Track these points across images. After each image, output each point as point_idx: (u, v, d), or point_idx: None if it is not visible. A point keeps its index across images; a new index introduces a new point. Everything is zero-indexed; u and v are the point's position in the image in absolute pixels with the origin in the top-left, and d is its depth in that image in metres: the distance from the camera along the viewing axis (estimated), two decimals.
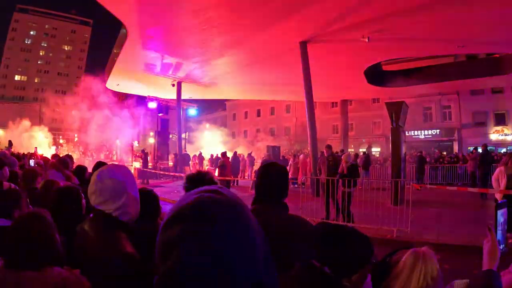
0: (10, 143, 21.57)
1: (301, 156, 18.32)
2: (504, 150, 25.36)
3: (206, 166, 22.91)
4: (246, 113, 48.43)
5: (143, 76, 21.03)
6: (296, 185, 14.89)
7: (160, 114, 25.11)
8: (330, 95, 27.79)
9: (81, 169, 5.03)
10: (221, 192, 0.68)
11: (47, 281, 1.48)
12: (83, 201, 2.46)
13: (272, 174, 2.05)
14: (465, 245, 6.25)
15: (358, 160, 17.56)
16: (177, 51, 16.99)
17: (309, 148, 14.98)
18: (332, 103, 35.66)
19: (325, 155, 9.80)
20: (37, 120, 35.34)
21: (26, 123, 29.71)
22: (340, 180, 8.55)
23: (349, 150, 27.56)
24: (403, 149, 12.16)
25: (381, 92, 25.93)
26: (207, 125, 36.81)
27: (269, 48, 15.63)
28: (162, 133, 25.96)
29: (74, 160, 7.85)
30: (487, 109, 30.09)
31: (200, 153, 24.58)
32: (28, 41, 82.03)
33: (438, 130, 32.20)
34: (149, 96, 24.25)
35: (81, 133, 27.65)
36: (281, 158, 20.19)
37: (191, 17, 12.99)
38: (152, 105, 24.05)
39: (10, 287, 1.47)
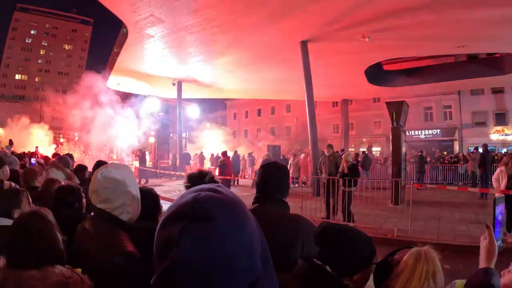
0: (11, 142, 21.55)
1: (302, 156, 18.33)
2: (504, 150, 25.33)
3: (206, 166, 22.91)
4: (246, 112, 48.39)
5: (144, 75, 21.04)
6: (296, 185, 14.90)
7: (160, 114, 25.10)
8: (331, 94, 27.77)
9: (82, 168, 5.03)
10: (219, 190, 0.69)
11: (49, 280, 1.48)
12: (84, 200, 2.46)
13: (273, 174, 2.05)
14: (466, 245, 6.25)
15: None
16: (178, 50, 16.98)
17: (309, 148, 14.98)
18: (333, 102, 35.63)
19: (326, 154, 9.81)
20: (38, 119, 35.29)
21: (25, 120, 29.61)
22: (341, 180, 8.56)
23: (350, 149, 27.54)
24: (404, 149, 12.16)
25: (381, 92, 25.92)
26: (208, 125, 36.78)
27: (269, 48, 15.63)
28: (163, 133, 25.95)
29: (75, 159, 7.85)
30: (488, 109, 30.04)
31: (201, 153, 24.58)
32: (28, 40, 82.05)
33: (438, 130, 32.16)
34: (149, 95, 24.25)
35: (81, 132, 27.60)
36: (281, 157, 20.20)
37: (192, 17, 12.99)
38: (153, 104, 24.05)
39: (12, 287, 1.47)
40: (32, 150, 20.29)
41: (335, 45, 15.00)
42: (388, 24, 12.72)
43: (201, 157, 23.98)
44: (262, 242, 0.69)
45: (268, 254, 0.71)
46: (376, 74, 21.44)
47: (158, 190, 2.61)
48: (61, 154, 7.38)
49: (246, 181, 18.02)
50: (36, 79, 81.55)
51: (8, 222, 1.98)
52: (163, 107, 25.32)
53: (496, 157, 16.86)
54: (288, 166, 15.85)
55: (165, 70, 20.06)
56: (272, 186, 2.02)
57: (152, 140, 25.89)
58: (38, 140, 26.91)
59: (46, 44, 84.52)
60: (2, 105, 48.41)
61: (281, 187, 2.05)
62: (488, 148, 14.73)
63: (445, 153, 25.91)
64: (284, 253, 1.70)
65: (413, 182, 12.08)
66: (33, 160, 10.47)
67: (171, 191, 14.56)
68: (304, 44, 14.38)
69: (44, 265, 1.51)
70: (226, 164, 15.21)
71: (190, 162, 22.41)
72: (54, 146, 29.64)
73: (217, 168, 15.37)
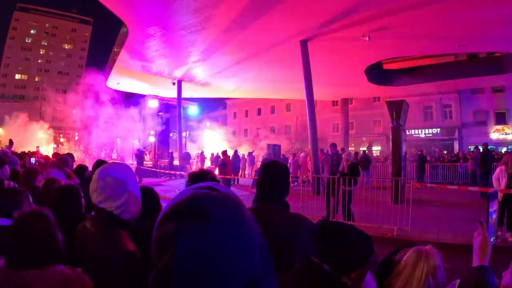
0: (11, 142, 21.57)
1: (302, 155, 18.33)
2: (504, 149, 25.31)
3: (206, 165, 22.91)
4: (246, 111, 48.37)
5: (144, 75, 21.04)
6: (295, 183, 14.91)
7: (160, 113, 25.10)
8: (331, 93, 27.80)
9: (82, 168, 5.03)
10: (216, 188, 0.68)
11: (49, 279, 1.48)
12: (83, 200, 2.46)
13: (273, 173, 2.05)
14: (466, 244, 6.22)
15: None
16: (178, 49, 16.98)
17: (309, 147, 14.99)
18: (333, 101, 35.61)
19: (329, 153, 9.79)
20: (38, 118, 35.28)
21: (22, 117, 29.53)
22: (341, 179, 8.55)
23: (350, 148, 27.53)
24: (404, 148, 12.15)
25: (381, 91, 25.93)
26: (208, 124, 36.78)
27: (269, 47, 15.62)
28: (163, 132, 25.95)
29: (75, 159, 7.85)
30: (488, 108, 30.03)
31: (202, 152, 24.59)
32: (28, 40, 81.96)
33: (438, 129, 32.15)
34: (149, 94, 24.24)
35: (81, 131, 27.63)
36: (281, 156, 20.21)
37: (191, 16, 12.98)
38: (153, 103, 24.04)
39: (12, 287, 1.47)
40: (32, 149, 20.27)
41: (335, 44, 14.99)
42: (388, 23, 12.72)
43: (202, 157, 23.98)
44: (261, 242, 0.69)
45: (267, 255, 0.71)
46: (376, 73, 21.45)
47: (158, 189, 2.61)
48: (61, 154, 7.38)
49: (246, 181, 18.02)
50: (36, 79, 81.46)
51: (8, 222, 1.98)
52: (163, 106, 25.27)
53: (496, 156, 16.84)
54: (288, 165, 15.84)
55: (165, 70, 20.05)
56: (272, 185, 2.02)
57: (152, 139, 25.90)
58: (38, 140, 26.89)
59: (46, 43, 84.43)
60: (2, 105, 48.40)
61: (281, 186, 2.05)
62: (488, 147, 14.73)
63: (445, 152, 25.91)
64: (285, 253, 1.70)
65: (413, 181, 12.06)
66: (32, 160, 10.45)
67: (171, 190, 14.55)
68: (304, 43, 14.37)
69: (44, 264, 1.52)
70: (226, 164, 15.22)
71: (191, 161, 22.41)
72: (54, 145, 29.62)
73: (217, 167, 15.37)
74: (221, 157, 15.70)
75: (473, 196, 11.98)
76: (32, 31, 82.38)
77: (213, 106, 52.22)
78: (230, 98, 40.13)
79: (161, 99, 24.62)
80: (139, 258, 1.47)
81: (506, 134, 29.31)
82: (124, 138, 26.94)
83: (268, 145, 21.01)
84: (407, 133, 16.61)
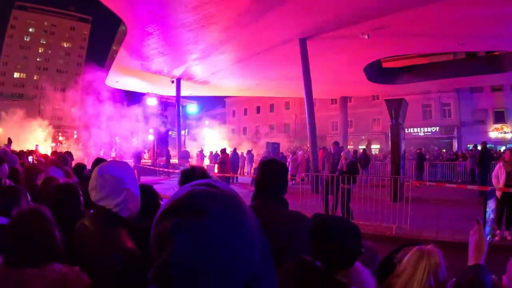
0: (9, 140, 21.50)
1: (300, 153, 18.35)
2: (503, 147, 25.37)
3: (205, 163, 22.90)
4: (245, 110, 48.36)
5: (142, 73, 21.01)
6: (293, 182, 14.95)
7: (159, 111, 25.06)
8: (330, 92, 27.78)
9: (80, 167, 5.02)
10: (215, 185, 0.68)
11: (47, 278, 1.48)
12: (81, 198, 2.46)
13: (272, 171, 2.05)
14: (464, 242, 6.23)
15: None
16: (176, 48, 16.95)
17: (308, 145, 14.99)
18: (332, 100, 35.62)
19: (332, 152, 9.79)
20: (37, 117, 35.21)
21: (19, 112, 29.38)
22: (340, 177, 8.55)
23: (349, 147, 27.56)
24: (403, 146, 12.17)
25: (380, 89, 25.94)
26: (207, 122, 36.76)
27: (268, 45, 15.60)
28: (161, 130, 25.91)
29: (74, 157, 7.84)
30: (487, 106, 30.10)
31: (201, 150, 24.58)
32: (27, 39, 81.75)
33: (437, 128, 32.20)
34: (148, 93, 24.20)
35: (80, 130, 27.59)
36: (280, 155, 20.22)
37: (190, 14, 12.95)
38: (152, 102, 24.00)
39: (11, 285, 1.46)
40: (31, 148, 20.21)
41: (334, 43, 14.98)
42: (387, 22, 12.70)
43: (201, 155, 23.98)
44: (262, 240, 0.68)
45: (268, 254, 0.70)
46: (375, 71, 21.45)
47: (157, 188, 2.61)
48: (60, 152, 7.37)
49: (245, 179, 18.03)
50: (35, 77, 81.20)
51: (6, 221, 1.98)
52: (162, 104, 25.25)
53: (495, 155, 16.87)
54: (287, 164, 15.88)
55: (164, 68, 20.02)
56: (271, 183, 2.03)
57: (151, 138, 25.87)
58: (37, 138, 26.82)
59: (44, 42, 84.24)
60: (0, 103, 48.34)
61: (280, 184, 2.05)
62: (487, 146, 14.76)
63: (444, 150, 25.95)
64: (284, 250, 1.70)
65: (412, 180, 12.06)
66: (29, 158, 10.41)
67: (170, 188, 14.53)
68: (303, 42, 14.35)
69: (42, 263, 1.51)
70: (225, 162, 15.22)
71: (190, 160, 22.40)
72: (52, 144, 29.54)
73: (216, 165, 15.38)
74: (220, 155, 15.71)
75: (472, 195, 11.99)
76: (30, 30, 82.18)
77: (212, 104, 52.26)
78: (229, 96, 40.11)
79: (160, 97, 24.59)
80: (138, 256, 1.47)
81: (505, 132, 29.37)
82: (122, 137, 26.90)
83: (267, 143, 21.02)
84: (406, 131, 16.64)
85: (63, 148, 27.54)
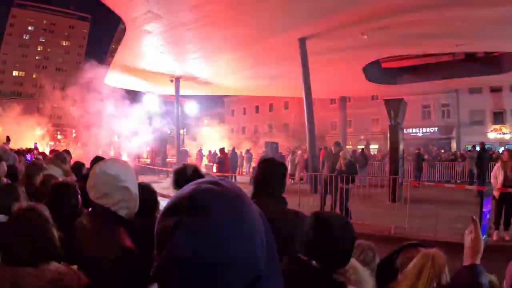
0: (8, 138, 21.47)
1: (299, 152, 18.34)
2: (502, 148, 25.39)
3: (204, 163, 22.89)
4: (244, 109, 48.29)
5: (142, 72, 20.97)
6: (292, 181, 14.96)
7: (158, 110, 25.04)
8: (329, 91, 27.77)
9: (79, 165, 5.01)
10: (220, 183, 0.67)
11: (44, 277, 1.47)
12: (79, 196, 2.45)
13: (271, 169, 2.05)
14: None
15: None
16: (176, 47, 16.93)
17: (307, 145, 14.99)
18: (331, 99, 35.60)
19: (333, 152, 9.80)
20: (35, 114, 35.16)
21: (16, 107, 29.31)
22: (339, 177, 8.56)
23: (347, 147, 27.55)
24: (401, 147, 12.17)
25: (379, 89, 25.92)
26: (206, 121, 36.73)
27: (268, 45, 15.59)
28: (160, 129, 25.88)
29: (72, 156, 7.82)
30: (486, 107, 30.13)
31: (200, 150, 24.57)
32: (26, 37, 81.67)
33: (436, 128, 32.22)
34: (147, 91, 24.17)
35: (79, 128, 27.52)
36: (278, 155, 20.22)
37: (190, 13, 12.94)
38: (151, 100, 23.97)
39: (7, 284, 1.45)
40: (30, 146, 20.19)
41: (333, 43, 14.97)
42: (386, 22, 12.70)
43: (200, 154, 23.98)
44: (268, 240, 0.66)
45: (274, 254, 0.69)
46: (375, 71, 21.45)
47: (155, 187, 2.60)
48: (59, 151, 7.35)
49: (243, 178, 18.01)
50: (34, 76, 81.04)
51: (3, 218, 1.97)
52: (160, 103, 25.23)
53: (493, 156, 16.89)
54: (286, 163, 15.89)
55: (163, 67, 19.99)
56: (270, 182, 2.03)
57: (149, 137, 25.84)
58: (35, 136, 26.80)
59: (43, 40, 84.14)
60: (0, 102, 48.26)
61: (278, 182, 2.05)
62: (486, 147, 14.76)
63: (443, 151, 25.96)
64: (283, 249, 1.69)
65: (411, 180, 12.07)
66: (28, 157, 10.39)
67: (168, 187, 14.51)
68: (302, 41, 14.34)
69: (40, 262, 1.50)
70: (224, 161, 15.22)
71: (189, 159, 22.39)
72: (50, 142, 29.50)
73: (215, 164, 15.38)
74: (219, 155, 15.70)
75: (470, 195, 12.02)
76: (29, 28, 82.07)
77: (211, 104, 52.12)
78: (228, 95, 40.06)
79: (159, 96, 24.56)
80: (137, 254, 1.46)
81: (504, 133, 29.40)
82: (121, 135, 26.86)
83: (266, 142, 21.04)
84: (405, 131, 16.62)
85: (61, 147, 27.51)
